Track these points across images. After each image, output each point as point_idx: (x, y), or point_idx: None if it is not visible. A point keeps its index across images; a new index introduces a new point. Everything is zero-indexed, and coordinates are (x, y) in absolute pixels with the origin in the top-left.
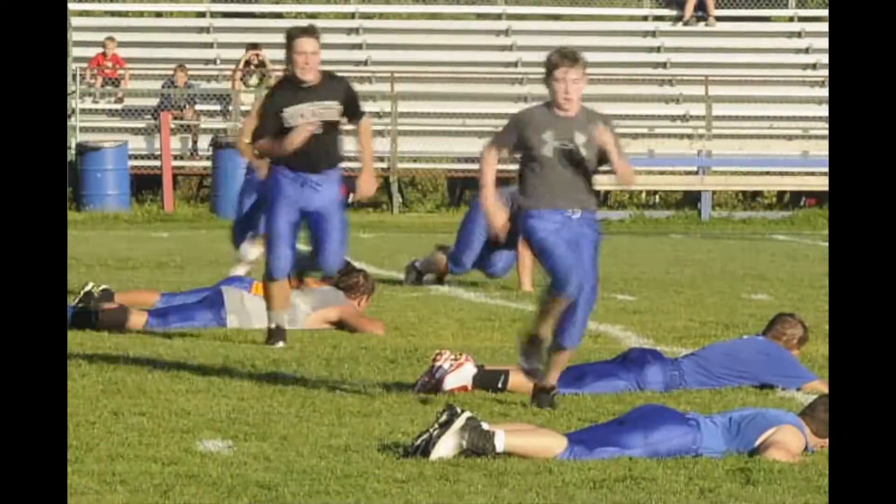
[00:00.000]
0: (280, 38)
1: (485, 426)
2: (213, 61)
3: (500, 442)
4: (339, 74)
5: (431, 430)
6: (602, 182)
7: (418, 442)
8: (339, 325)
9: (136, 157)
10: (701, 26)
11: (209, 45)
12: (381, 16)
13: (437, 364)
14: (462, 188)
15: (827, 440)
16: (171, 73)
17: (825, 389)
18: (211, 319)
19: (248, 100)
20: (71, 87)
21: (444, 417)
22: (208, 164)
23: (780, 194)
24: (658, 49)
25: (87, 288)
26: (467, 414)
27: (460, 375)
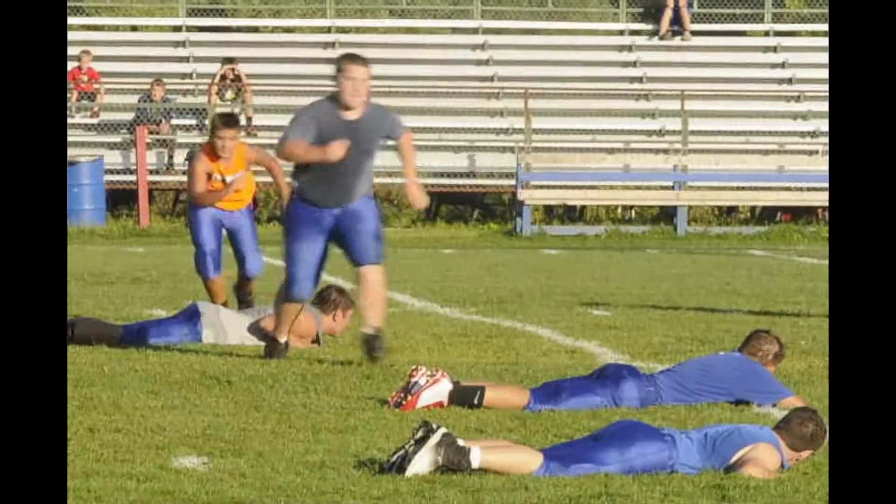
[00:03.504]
0: (255, 52)
1: (460, 442)
2: (189, 75)
3: (476, 458)
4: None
5: (407, 446)
6: (577, 197)
7: (394, 458)
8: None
9: (111, 172)
10: (677, 41)
11: (185, 60)
12: (358, 30)
13: (413, 380)
14: (438, 203)
15: (802, 453)
16: (147, 87)
17: (800, 405)
18: (186, 334)
19: None
20: None
21: (419, 434)
22: (184, 178)
23: (756, 209)
24: (634, 63)
25: None
26: (443, 430)
27: (436, 391)
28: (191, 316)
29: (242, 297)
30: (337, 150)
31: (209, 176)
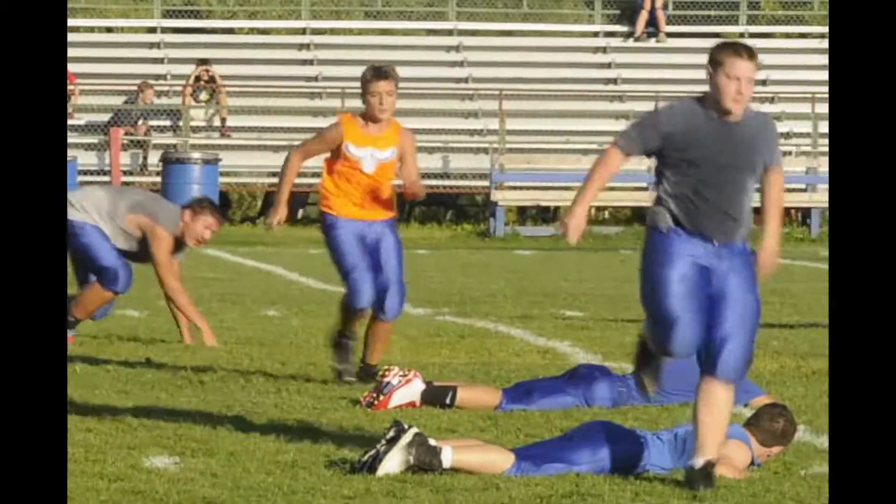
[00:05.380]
0: (230, 54)
1: (432, 442)
2: (164, 77)
3: (448, 458)
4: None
5: (379, 446)
6: (551, 198)
7: (365, 458)
8: (143, 244)
9: (85, 173)
10: (652, 42)
11: (160, 61)
12: (333, 31)
13: (386, 380)
14: (412, 204)
15: (773, 450)
16: (122, 88)
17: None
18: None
19: (199, 115)
20: None
21: (391, 433)
22: (158, 179)
23: None
24: (609, 65)
25: None
26: (414, 430)
27: (408, 391)
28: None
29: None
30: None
31: (339, 153)
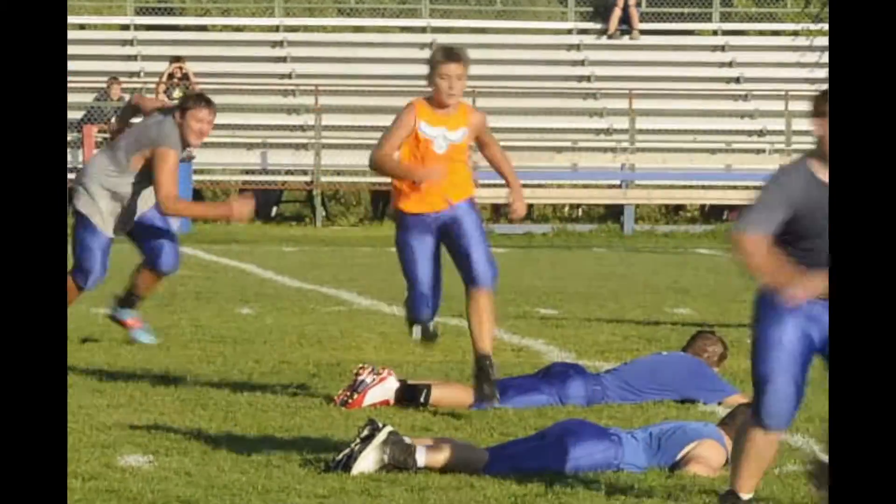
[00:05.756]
0: (204, 51)
1: (406, 440)
2: (137, 74)
3: (422, 457)
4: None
5: (353, 444)
6: (524, 195)
7: (340, 457)
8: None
9: None
10: (625, 40)
11: (133, 58)
12: (306, 29)
13: (360, 378)
14: (385, 202)
15: None
16: (95, 85)
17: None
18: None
19: None
20: None
21: (365, 432)
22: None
23: (703, 208)
24: (582, 62)
25: None
26: (389, 428)
27: (382, 389)
28: None
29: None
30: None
31: (415, 140)
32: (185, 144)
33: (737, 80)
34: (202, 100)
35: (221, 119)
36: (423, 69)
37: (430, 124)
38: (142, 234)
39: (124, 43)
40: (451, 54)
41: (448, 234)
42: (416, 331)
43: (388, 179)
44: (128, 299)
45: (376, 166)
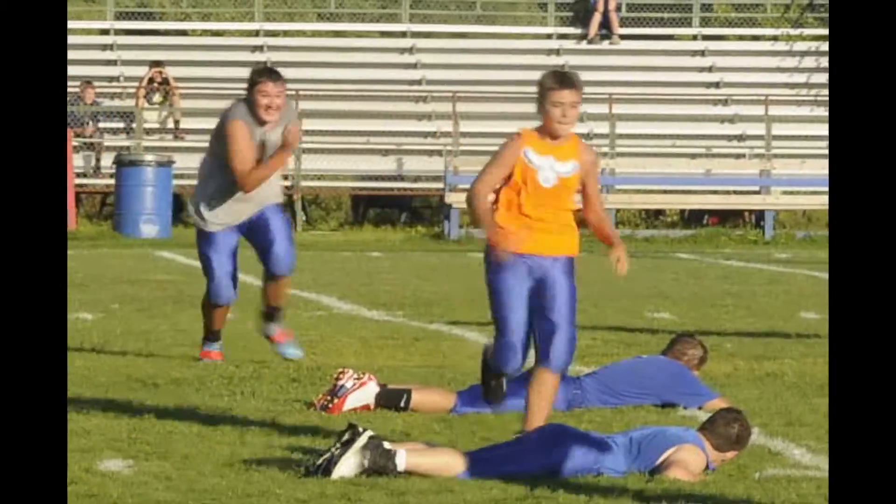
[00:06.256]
0: (183, 56)
1: (386, 445)
2: (117, 79)
3: (402, 461)
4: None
5: (333, 449)
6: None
7: (320, 461)
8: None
9: None
10: (605, 44)
11: (113, 63)
12: (286, 33)
13: (340, 383)
14: (366, 206)
15: (727, 454)
16: (74, 90)
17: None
18: None
19: (152, 117)
20: None
21: (345, 436)
22: (111, 181)
23: (683, 212)
24: (562, 67)
25: None
26: (369, 433)
27: (363, 394)
28: None
29: None
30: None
31: (521, 170)
32: (260, 122)
33: (717, 84)
34: (266, 72)
35: (201, 124)
36: (404, 74)
37: (538, 152)
38: (255, 237)
39: (104, 47)
40: (566, 80)
41: (538, 294)
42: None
43: (368, 184)
44: (268, 313)
45: (468, 201)
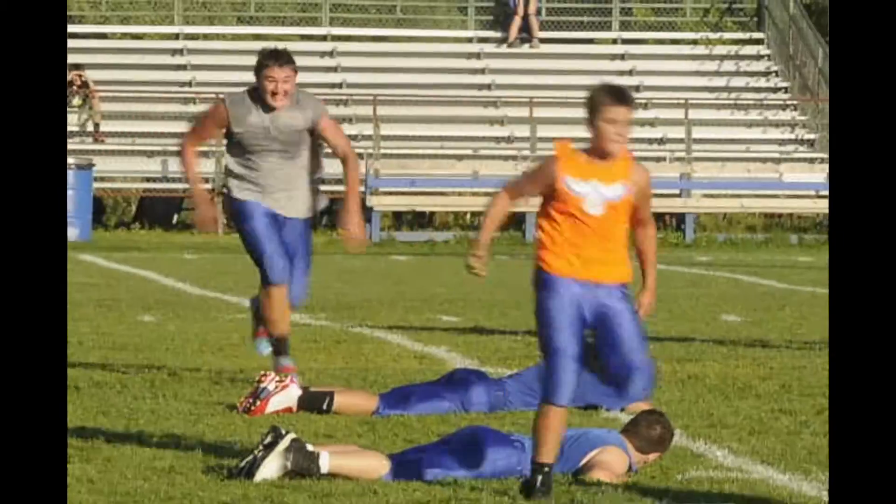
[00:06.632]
0: (103, 59)
1: (309, 447)
2: None
3: (325, 463)
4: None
5: (256, 451)
6: (426, 203)
7: (243, 464)
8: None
9: None
10: (525, 48)
11: None
12: (206, 37)
13: (262, 385)
14: None
15: (650, 456)
16: None
17: (648, 408)
18: None
19: (72, 120)
20: None
21: (268, 439)
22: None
23: None
24: (483, 71)
25: None
26: (292, 435)
27: (285, 397)
28: None
29: None
30: None
31: (554, 192)
32: (269, 108)
33: (637, 88)
34: (272, 55)
35: (121, 127)
36: (325, 77)
37: (580, 178)
38: None
39: None
40: (623, 96)
41: (600, 324)
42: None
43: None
44: (276, 346)
45: (489, 203)
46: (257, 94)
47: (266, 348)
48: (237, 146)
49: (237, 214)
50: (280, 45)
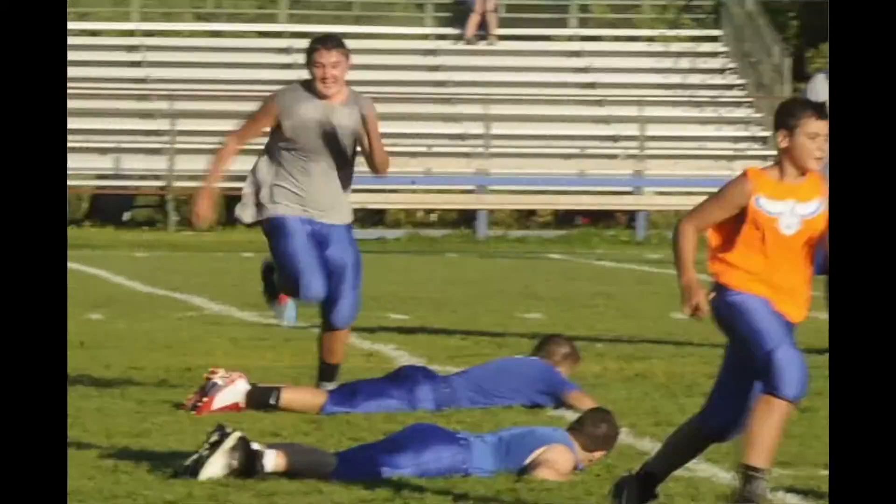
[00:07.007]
0: None
1: (255, 446)
2: None
3: (270, 461)
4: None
5: (201, 450)
6: (377, 200)
7: (188, 462)
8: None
9: None
10: (482, 45)
11: None
12: (162, 33)
13: (210, 381)
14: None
15: (596, 454)
16: None
17: (589, 401)
18: None
19: None
20: None
21: (214, 437)
22: None
23: (556, 213)
24: (438, 68)
25: None
26: (237, 434)
27: (232, 392)
28: None
29: None
30: None
31: (745, 213)
32: (319, 96)
33: (592, 85)
34: (320, 39)
35: (76, 124)
36: (281, 74)
37: (773, 197)
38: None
39: None
40: (823, 110)
41: None
42: None
43: (240, 185)
44: (324, 370)
45: (674, 237)
46: (310, 86)
47: (292, 317)
48: (283, 148)
49: (275, 231)
50: (236, 43)
